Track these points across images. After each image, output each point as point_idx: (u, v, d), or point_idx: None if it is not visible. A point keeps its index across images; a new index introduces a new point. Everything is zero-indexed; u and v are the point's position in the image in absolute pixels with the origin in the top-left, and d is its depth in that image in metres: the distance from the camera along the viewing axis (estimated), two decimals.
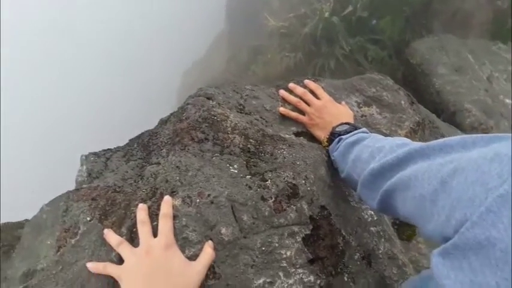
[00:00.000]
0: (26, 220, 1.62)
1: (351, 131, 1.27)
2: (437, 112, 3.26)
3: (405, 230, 1.68)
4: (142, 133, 1.50)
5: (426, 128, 1.79)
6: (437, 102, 3.45)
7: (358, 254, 1.15)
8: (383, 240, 1.26)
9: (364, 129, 1.27)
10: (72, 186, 1.56)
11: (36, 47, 38.12)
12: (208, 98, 1.36)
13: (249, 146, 1.19)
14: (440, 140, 0.76)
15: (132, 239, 0.96)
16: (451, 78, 3.30)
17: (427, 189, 0.67)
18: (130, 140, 1.47)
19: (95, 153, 1.19)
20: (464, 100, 3.10)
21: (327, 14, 8.99)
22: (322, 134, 1.40)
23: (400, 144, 0.94)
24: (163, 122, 1.31)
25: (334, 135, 1.30)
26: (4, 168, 31.63)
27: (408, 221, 0.81)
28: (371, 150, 1.02)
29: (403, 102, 1.73)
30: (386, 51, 8.60)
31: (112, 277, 0.91)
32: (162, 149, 1.17)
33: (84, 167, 1.14)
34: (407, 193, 0.77)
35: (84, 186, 1.08)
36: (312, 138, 1.43)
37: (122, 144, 1.35)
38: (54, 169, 29.52)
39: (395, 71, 8.49)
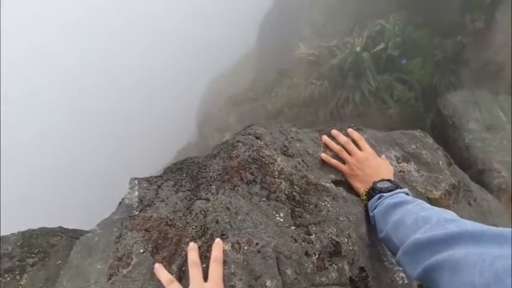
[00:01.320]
0: (60, 227, 1.66)
1: (392, 189, 1.28)
2: (464, 167, 3.24)
3: None
4: (185, 160, 1.54)
5: (460, 191, 1.79)
6: (464, 157, 3.43)
7: None
8: None
9: (405, 189, 1.28)
10: (110, 203, 1.60)
11: (73, 73, 38.93)
12: (257, 138, 1.40)
13: (294, 193, 1.22)
14: (494, 228, 0.78)
15: (181, 277, 1.00)
16: (482, 135, 3.29)
17: (479, 280, 0.68)
18: (173, 164, 1.51)
19: (147, 180, 1.24)
20: (494, 159, 3.08)
21: (358, 49, 9.09)
22: (361, 187, 1.41)
23: (448, 219, 0.95)
24: (212, 156, 1.35)
25: (374, 191, 1.32)
26: (45, 174, 32.34)
27: None
28: (415, 218, 1.03)
29: (441, 162, 1.74)
30: (413, 93, 8.63)
31: None
32: (211, 185, 1.21)
33: (136, 192, 1.18)
34: (455, 275, 0.78)
35: (138, 214, 1.12)
36: (350, 188, 1.45)
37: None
38: (91, 182, 30.16)
39: (419, 114, 8.51)
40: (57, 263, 1.31)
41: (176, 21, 36.63)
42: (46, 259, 1.39)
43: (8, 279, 1.24)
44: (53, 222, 1.76)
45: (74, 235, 1.43)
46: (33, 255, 1.32)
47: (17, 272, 1.27)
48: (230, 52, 23.77)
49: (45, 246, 1.46)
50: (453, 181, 1.71)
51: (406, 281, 1.30)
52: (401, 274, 1.30)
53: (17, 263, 1.28)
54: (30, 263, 1.30)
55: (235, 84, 17.65)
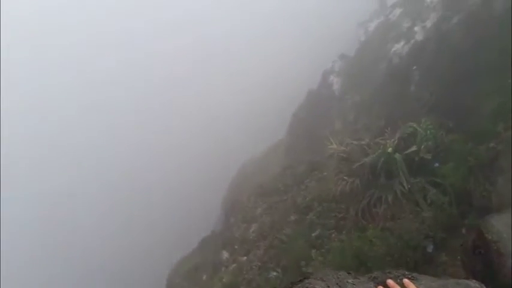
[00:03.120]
0: None
1: None
2: None
3: None
4: None
5: None
6: (506, 283, 3.33)
7: None
8: None
9: None
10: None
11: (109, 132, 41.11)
12: None
13: None
14: None
15: None
16: None
17: None
18: None
19: None
20: None
21: (389, 150, 9.23)
22: None
23: None
24: None
25: None
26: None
27: None
28: None
29: None
30: (448, 197, 8.51)
31: None
32: None
33: None
34: None
35: None
36: None
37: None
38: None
39: (453, 219, 8.30)
40: None
41: (208, 104, 38.46)
42: None
43: None
44: None
45: None
46: None
47: None
48: (262, 139, 24.48)
49: None
50: None
51: None
52: None
53: None
54: None
55: (264, 172, 17.90)
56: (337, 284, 1.56)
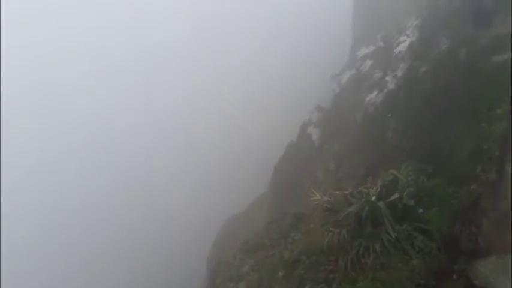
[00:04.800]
0: None
1: None
2: None
3: None
4: None
5: None
6: None
7: None
8: None
9: None
10: None
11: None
12: None
13: None
14: None
15: None
16: None
17: None
18: None
19: None
20: None
21: (373, 198, 9.21)
22: None
23: None
24: None
25: None
26: None
27: None
28: None
29: None
30: (435, 243, 8.43)
31: None
32: None
33: None
34: None
35: None
36: None
37: None
38: None
39: (443, 265, 8.17)
40: None
41: (195, 162, 38.37)
42: None
43: None
44: None
45: None
46: None
47: None
48: (244, 194, 24.32)
49: None
50: None
51: None
52: None
53: None
54: None
55: (249, 227, 17.59)
56: None
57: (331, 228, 10.01)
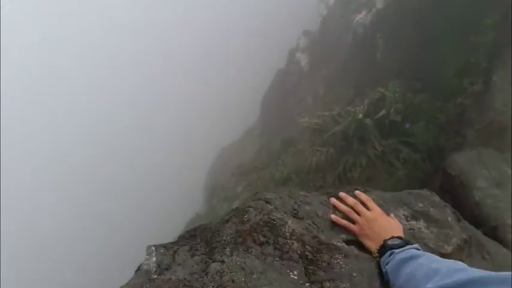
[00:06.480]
0: None
1: (402, 246, 1.31)
2: (477, 224, 3.22)
3: None
4: (198, 227, 1.58)
5: (473, 245, 1.80)
6: (476, 215, 3.41)
7: None
8: None
9: (416, 245, 1.31)
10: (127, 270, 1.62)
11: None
12: (267, 202, 1.45)
13: (306, 253, 1.26)
14: (500, 273, 0.82)
15: None
16: (492, 192, 3.30)
17: None
18: (187, 232, 1.55)
19: (163, 246, 1.28)
20: (506, 215, 3.07)
21: (360, 116, 9.33)
22: (372, 245, 1.44)
23: (458, 268, 0.98)
24: (224, 221, 1.40)
25: (385, 248, 1.35)
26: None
27: None
28: (426, 270, 1.06)
29: (449, 219, 1.77)
30: (420, 155, 8.70)
31: None
32: (225, 248, 1.25)
33: (154, 258, 1.22)
34: None
35: (157, 277, 1.15)
36: (362, 246, 1.47)
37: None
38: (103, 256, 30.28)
39: (428, 175, 8.50)
40: None
41: (185, 96, 38.22)
42: None
43: None
44: None
45: None
46: None
47: None
48: (237, 124, 24.54)
49: None
50: (464, 236, 1.73)
51: None
52: None
53: None
54: None
55: (242, 154, 17.93)
56: (288, 196, 1.56)
57: (319, 148, 10.24)
